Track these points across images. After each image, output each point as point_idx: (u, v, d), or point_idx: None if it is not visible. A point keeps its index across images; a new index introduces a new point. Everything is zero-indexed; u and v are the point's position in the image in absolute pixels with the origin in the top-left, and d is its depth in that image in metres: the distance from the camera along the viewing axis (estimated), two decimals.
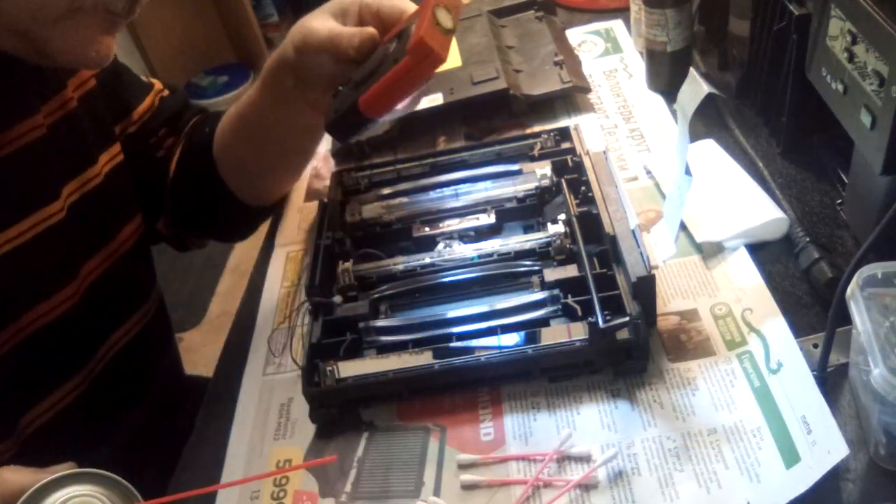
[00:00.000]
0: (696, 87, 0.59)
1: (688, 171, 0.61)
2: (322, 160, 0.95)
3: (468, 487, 0.57)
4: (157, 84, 0.84)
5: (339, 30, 0.65)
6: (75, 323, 0.72)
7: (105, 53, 0.62)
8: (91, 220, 0.73)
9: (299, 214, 0.90)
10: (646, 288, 0.61)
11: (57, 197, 0.69)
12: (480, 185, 0.80)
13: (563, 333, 0.62)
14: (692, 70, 0.60)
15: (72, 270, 0.72)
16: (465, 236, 0.76)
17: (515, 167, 0.80)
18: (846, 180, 0.71)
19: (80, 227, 0.72)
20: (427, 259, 0.72)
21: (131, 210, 0.79)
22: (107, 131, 0.77)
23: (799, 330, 0.62)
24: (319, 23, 0.66)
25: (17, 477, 0.50)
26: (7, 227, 0.65)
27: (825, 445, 0.52)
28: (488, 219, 0.76)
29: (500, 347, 0.63)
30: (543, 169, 0.78)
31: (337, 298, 0.69)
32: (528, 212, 0.77)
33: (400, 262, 0.72)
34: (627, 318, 0.59)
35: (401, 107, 0.64)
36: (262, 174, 0.83)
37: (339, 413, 0.64)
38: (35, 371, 0.70)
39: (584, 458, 0.57)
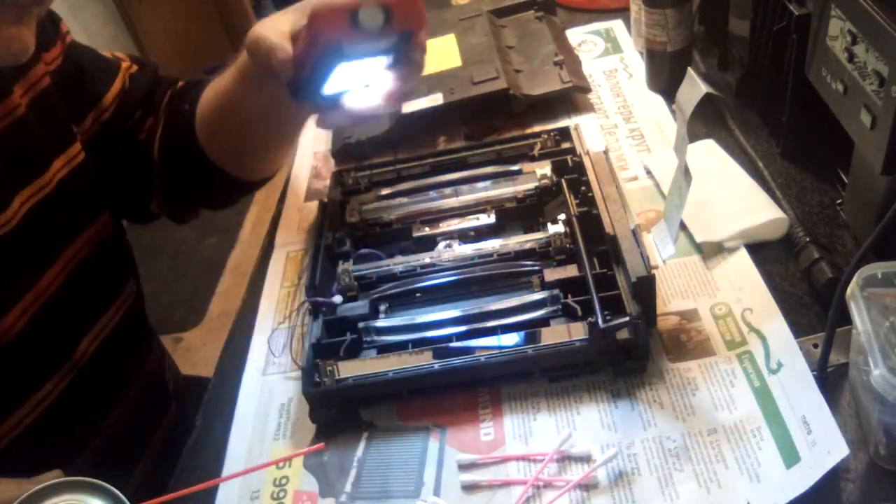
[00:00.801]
0: (694, 87, 0.59)
1: (688, 171, 0.61)
2: (322, 160, 0.95)
3: (468, 487, 0.57)
4: (124, 62, 0.81)
5: (277, 47, 0.63)
6: (45, 327, 0.69)
7: (20, 47, 0.58)
8: (47, 227, 0.70)
9: (299, 214, 0.90)
10: (646, 288, 0.61)
11: (6, 207, 0.67)
12: (480, 185, 0.80)
13: (563, 333, 0.62)
14: (690, 70, 0.60)
15: (31, 279, 0.69)
16: (465, 236, 0.76)
17: (515, 167, 0.80)
18: (846, 180, 0.71)
19: (38, 235, 0.69)
20: (427, 259, 0.72)
21: (90, 215, 0.76)
22: (63, 132, 0.73)
23: (799, 330, 0.62)
24: (270, 29, 0.64)
25: (0, 489, 0.49)
26: None
27: (825, 445, 0.52)
28: (488, 219, 0.76)
29: (500, 347, 0.63)
30: (543, 169, 0.78)
31: (337, 298, 0.69)
32: (528, 212, 0.77)
33: (400, 262, 0.72)
34: (627, 318, 0.59)
35: (379, 104, 0.65)
36: (249, 156, 0.81)
37: (339, 413, 0.64)
38: (8, 378, 0.68)
39: (584, 459, 0.57)
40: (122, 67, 0.80)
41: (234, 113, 0.75)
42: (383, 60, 0.63)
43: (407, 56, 0.63)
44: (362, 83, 0.65)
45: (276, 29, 0.63)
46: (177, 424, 0.89)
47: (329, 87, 0.63)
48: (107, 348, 0.78)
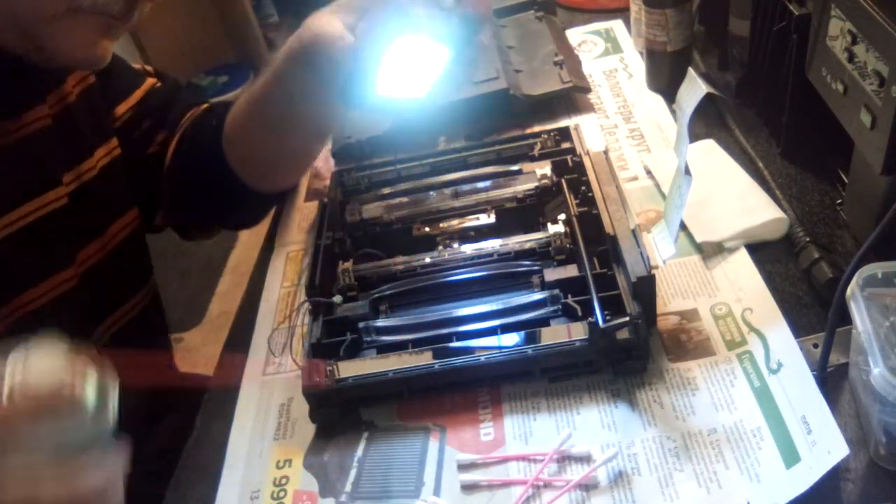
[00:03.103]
0: (694, 87, 0.59)
1: (688, 171, 0.61)
2: (322, 160, 0.95)
3: (468, 487, 0.57)
4: (151, 79, 0.83)
5: (339, 36, 0.65)
6: (72, 305, 0.72)
7: (101, 56, 0.64)
8: (87, 210, 0.74)
9: (299, 214, 0.90)
10: (646, 288, 0.61)
11: (59, 183, 0.70)
12: (480, 185, 0.80)
13: (563, 333, 0.62)
14: (691, 70, 0.61)
15: (70, 255, 0.72)
16: (465, 236, 0.76)
17: (515, 167, 0.80)
18: (846, 180, 0.71)
19: (78, 215, 0.72)
20: (427, 259, 0.72)
21: (123, 205, 0.79)
22: (104, 125, 0.77)
23: (799, 330, 0.62)
24: (328, 25, 0.66)
25: None
26: (10, 210, 0.66)
27: (825, 445, 0.52)
28: (488, 219, 0.76)
29: (500, 347, 0.63)
30: (543, 169, 0.78)
31: (337, 298, 0.69)
32: (528, 212, 0.77)
33: (400, 262, 0.72)
34: (627, 318, 0.59)
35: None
36: (279, 161, 0.83)
37: (339, 413, 0.64)
38: None
39: (584, 459, 0.57)
40: (146, 83, 0.83)
41: (273, 113, 0.76)
42: (443, 52, 0.64)
43: (465, 52, 0.66)
44: (415, 83, 0.67)
45: (332, 24, 0.66)
46: (179, 425, 0.89)
47: (382, 86, 0.64)
48: (123, 336, 0.80)
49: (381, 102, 0.67)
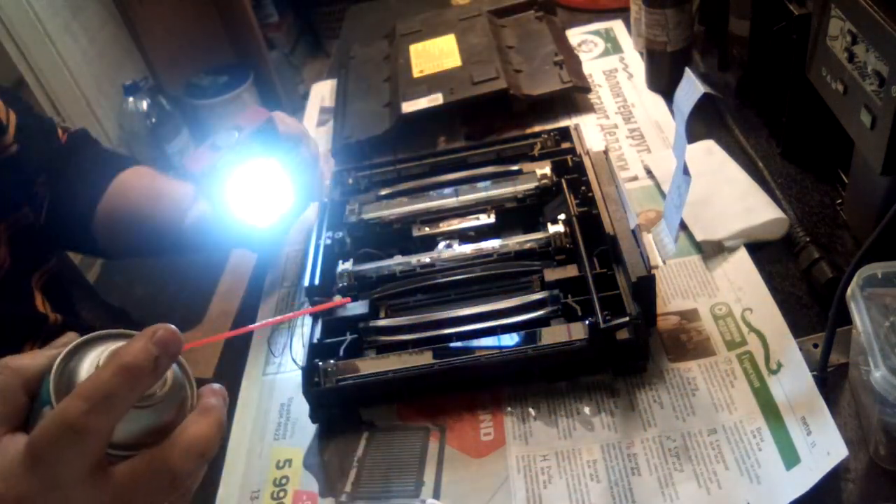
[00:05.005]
0: (692, 88, 0.59)
1: (686, 172, 0.61)
2: (322, 160, 0.95)
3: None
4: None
5: None
6: None
7: None
8: None
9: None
10: (646, 288, 0.61)
11: None
12: (480, 185, 0.80)
13: (563, 333, 0.62)
14: (688, 70, 0.60)
15: None
16: (465, 236, 0.76)
17: (515, 167, 0.80)
18: (846, 180, 0.71)
19: None
20: (427, 259, 0.72)
21: None
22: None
23: (799, 330, 0.62)
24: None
25: (25, 362, 0.43)
26: None
27: (825, 447, 0.52)
28: (488, 219, 0.76)
29: (500, 347, 0.62)
30: (543, 169, 0.78)
31: (337, 298, 0.69)
32: (528, 212, 0.77)
33: (400, 262, 0.72)
34: (627, 318, 0.59)
35: None
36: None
37: (339, 413, 0.64)
38: None
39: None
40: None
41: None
42: (288, 189, 0.72)
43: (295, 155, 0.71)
44: (262, 211, 0.72)
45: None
46: None
47: (236, 207, 0.70)
48: None
49: (243, 225, 0.71)
